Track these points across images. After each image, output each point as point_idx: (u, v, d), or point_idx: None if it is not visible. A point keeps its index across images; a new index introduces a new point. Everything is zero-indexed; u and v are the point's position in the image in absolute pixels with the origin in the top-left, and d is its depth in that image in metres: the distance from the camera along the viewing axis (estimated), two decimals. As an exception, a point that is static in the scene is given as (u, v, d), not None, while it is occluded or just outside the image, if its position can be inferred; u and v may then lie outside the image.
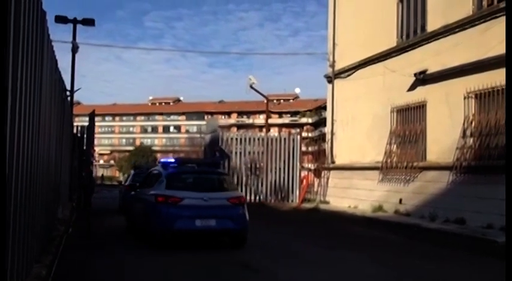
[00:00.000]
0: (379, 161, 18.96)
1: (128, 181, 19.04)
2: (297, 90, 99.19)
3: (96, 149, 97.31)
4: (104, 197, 22.99)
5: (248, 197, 22.45)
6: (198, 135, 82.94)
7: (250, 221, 10.60)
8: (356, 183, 20.34)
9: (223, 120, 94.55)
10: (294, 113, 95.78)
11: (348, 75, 22.45)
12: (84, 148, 18.97)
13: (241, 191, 22.34)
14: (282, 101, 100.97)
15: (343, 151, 22.45)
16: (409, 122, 17.99)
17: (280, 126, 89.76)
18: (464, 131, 15.17)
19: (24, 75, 4.40)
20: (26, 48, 4.47)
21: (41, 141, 6.03)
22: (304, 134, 57.23)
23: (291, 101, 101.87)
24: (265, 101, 33.14)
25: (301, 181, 23.14)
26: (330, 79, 23.86)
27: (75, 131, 19.11)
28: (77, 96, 66.35)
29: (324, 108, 45.92)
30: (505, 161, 7.60)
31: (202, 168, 11.72)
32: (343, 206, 20.14)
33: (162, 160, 12.74)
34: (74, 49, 23.03)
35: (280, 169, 22.98)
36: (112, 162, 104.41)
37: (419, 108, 17.52)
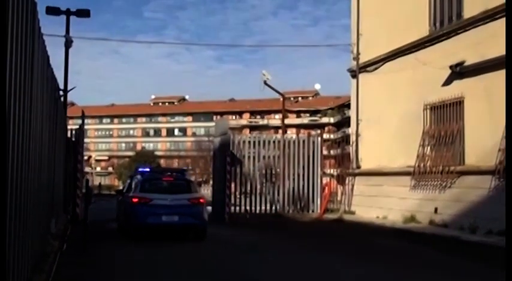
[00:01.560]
0: (411, 165, 18.86)
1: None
2: (317, 87, 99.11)
3: (93, 155, 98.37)
4: (101, 208, 23.13)
5: (263, 207, 22.45)
6: (206, 139, 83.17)
7: (266, 234, 10.71)
8: (385, 190, 20.25)
9: (234, 121, 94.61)
10: (313, 112, 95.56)
11: (375, 69, 22.38)
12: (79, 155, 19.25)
13: (255, 200, 22.40)
14: (300, 98, 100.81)
15: (369, 154, 22.38)
16: (445, 121, 17.88)
17: (299, 127, 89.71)
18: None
19: (13, 73, 4.44)
20: (14, 43, 4.51)
21: (32, 147, 6.07)
22: (325, 136, 57.08)
23: (310, 98, 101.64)
24: (281, 99, 33.11)
25: (322, 189, 23.08)
26: (354, 73, 23.81)
27: (69, 134, 19.26)
28: (71, 97, 66.97)
29: (348, 106, 45.74)
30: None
31: (170, 175, 16.02)
32: (370, 216, 20.07)
33: (140, 169, 16.77)
34: (68, 43, 23.21)
35: (298, 175, 22.93)
36: (110, 169, 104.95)
37: (456, 105, 17.41)
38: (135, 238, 13.71)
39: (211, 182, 38.11)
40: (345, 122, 66.88)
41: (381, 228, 17.41)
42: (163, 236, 13.92)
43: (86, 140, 30.82)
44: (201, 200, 14.40)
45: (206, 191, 60.29)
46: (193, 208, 14.04)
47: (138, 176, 15.56)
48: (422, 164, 18.53)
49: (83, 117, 20.78)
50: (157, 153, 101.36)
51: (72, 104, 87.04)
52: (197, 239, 13.93)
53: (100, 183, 70.11)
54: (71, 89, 23.29)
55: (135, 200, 14.03)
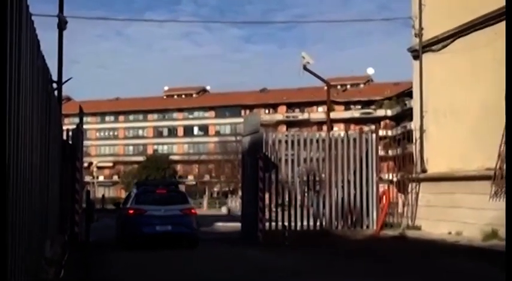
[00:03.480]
0: (491, 167, 18.65)
1: None
2: (370, 71, 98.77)
3: (94, 161, 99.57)
4: (105, 226, 23.36)
5: (305, 223, 22.41)
6: (233, 139, 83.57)
7: (310, 256, 10.62)
8: (458, 200, 20.08)
9: (267, 116, 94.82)
10: (366, 103, 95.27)
11: (442, 47, 22.20)
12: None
13: (295, 214, 22.35)
14: (348, 86, 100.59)
15: (438, 154, 22.22)
16: (533, 111, 17.62)
17: (348, 121, 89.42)
18: None
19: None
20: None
21: (20, 153, 6.14)
22: (381, 132, 56.89)
23: (362, 86, 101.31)
24: (326, 88, 33.11)
25: (379, 199, 22.97)
26: (416, 54, 23.65)
27: (65, 136, 19.50)
28: (66, 90, 67.92)
29: (409, 94, 45.39)
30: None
31: (164, 187, 20.57)
32: (440, 232, 19.95)
33: (135, 182, 21.42)
34: (62, 25, 23.45)
35: (349, 182, 22.84)
36: (116, 178, 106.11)
37: (548, 90, 17.14)
38: (133, 249, 17.11)
39: (240, 192, 38.24)
40: (405, 115, 66.44)
41: (454, 247, 17.27)
42: (158, 245, 17.44)
43: (85, 142, 31.23)
44: (193, 211, 19.21)
45: (234, 204, 60.41)
46: (185, 218, 18.55)
47: (134, 190, 20.12)
48: (505, 166, 18.29)
49: (81, 114, 21.05)
50: (173, 157, 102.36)
51: (69, 99, 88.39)
52: (190, 247, 17.85)
53: (103, 195, 70.79)
54: (66, 81, 23.52)
55: (131, 211, 18.43)
